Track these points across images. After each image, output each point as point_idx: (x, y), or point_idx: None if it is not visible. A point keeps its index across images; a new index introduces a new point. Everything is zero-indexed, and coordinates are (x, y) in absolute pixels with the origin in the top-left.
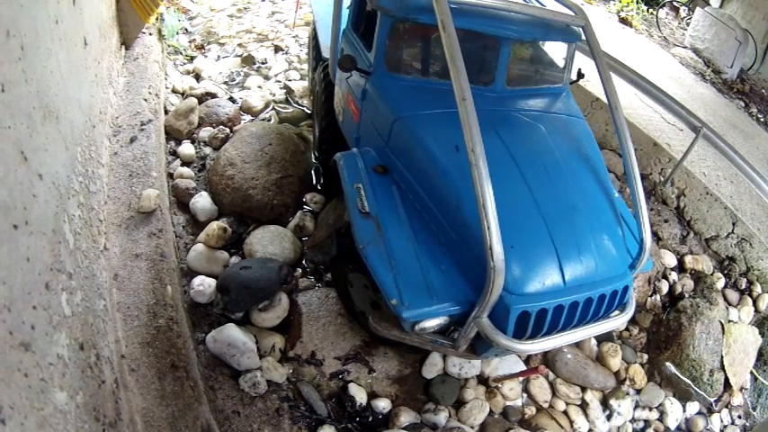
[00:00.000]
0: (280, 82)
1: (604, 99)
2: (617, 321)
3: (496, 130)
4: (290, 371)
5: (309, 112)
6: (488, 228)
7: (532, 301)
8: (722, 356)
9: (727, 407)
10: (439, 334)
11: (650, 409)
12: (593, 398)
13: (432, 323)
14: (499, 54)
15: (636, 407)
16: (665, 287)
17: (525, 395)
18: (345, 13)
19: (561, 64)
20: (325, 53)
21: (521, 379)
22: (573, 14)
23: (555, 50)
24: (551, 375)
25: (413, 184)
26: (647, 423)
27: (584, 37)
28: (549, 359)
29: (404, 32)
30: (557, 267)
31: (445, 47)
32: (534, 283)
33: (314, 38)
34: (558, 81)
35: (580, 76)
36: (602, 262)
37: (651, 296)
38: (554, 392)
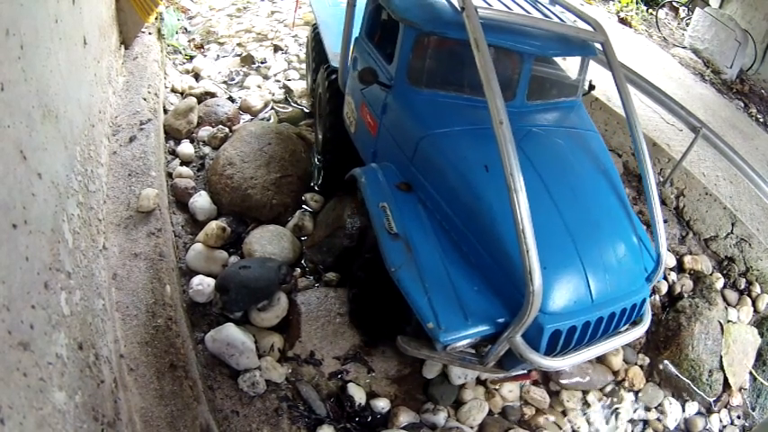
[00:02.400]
0: (279, 81)
1: (604, 100)
2: (636, 333)
3: (521, 147)
4: (289, 370)
5: (308, 111)
6: (528, 252)
7: (563, 320)
8: (721, 356)
9: (726, 407)
10: (466, 351)
11: (649, 410)
12: (593, 399)
13: (463, 343)
14: (521, 69)
15: (635, 407)
16: (664, 287)
17: (524, 401)
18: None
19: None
20: (332, 59)
21: (521, 381)
22: (593, 31)
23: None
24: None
25: (440, 204)
26: (647, 423)
27: (600, 50)
28: None
29: (428, 46)
30: (585, 285)
31: (479, 67)
32: (565, 303)
33: (314, 39)
34: (572, 94)
35: (591, 87)
36: (624, 277)
37: (650, 296)
38: (555, 395)
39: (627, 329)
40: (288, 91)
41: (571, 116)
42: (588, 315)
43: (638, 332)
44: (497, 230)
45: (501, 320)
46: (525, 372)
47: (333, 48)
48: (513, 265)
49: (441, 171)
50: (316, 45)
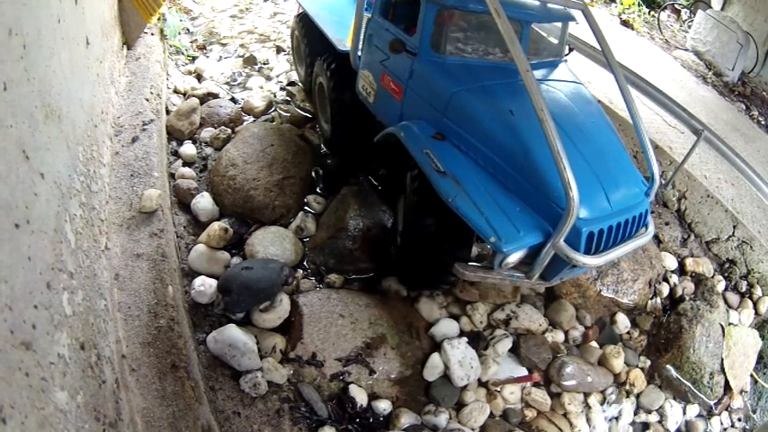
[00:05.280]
0: (281, 83)
1: (606, 102)
2: (646, 237)
3: None
4: (291, 372)
5: (310, 116)
6: (564, 167)
7: (594, 224)
8: (722, 359)
9: (727, 409)
10: (513, 269)
11: (650, 412)
12: (594, 401)
13: (515, 257)
14: (522, 34)
15: (636, 409)
16: (665, 290)
17: (526, 402)
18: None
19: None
20: (338, 44)
21: (522, 383)
22: (575, 1)
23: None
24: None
25: (476, 145)
26: (647, 425)
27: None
28: (551, 371)
29: (447, 17)
30: (605, 197)
31: (502, 31)
32: (593, 210)
33: (304, 32)
34: (558, 54)
35: (571, 50)
36: (630, 191)
37: (652, 299)
38: (556, 397)
39: (639, 235)
40: (290, 94)
41: (560, 72)
42: (611, 220)
43: (647, 237)
44: (532, 159)
45: (544, 232)
46: (525, 375)
47: (335, 34)
48: (548, 184)
49: (475, 118)
50: (307, 37)
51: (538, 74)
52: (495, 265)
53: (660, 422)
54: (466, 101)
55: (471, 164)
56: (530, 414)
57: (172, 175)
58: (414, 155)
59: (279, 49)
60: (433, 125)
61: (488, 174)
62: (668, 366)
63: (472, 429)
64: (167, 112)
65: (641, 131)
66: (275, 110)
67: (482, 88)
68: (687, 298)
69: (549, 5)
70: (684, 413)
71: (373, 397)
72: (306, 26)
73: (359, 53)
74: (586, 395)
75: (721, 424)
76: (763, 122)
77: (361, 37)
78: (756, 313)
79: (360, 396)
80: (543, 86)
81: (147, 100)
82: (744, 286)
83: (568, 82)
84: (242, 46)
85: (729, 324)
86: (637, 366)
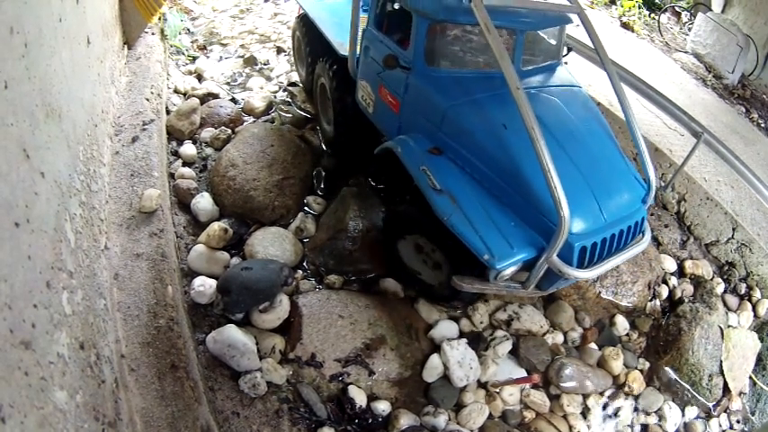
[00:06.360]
0: (282, 83)
1: (606, 104)
2: (642, 245)
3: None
4: (290, 372)
5: (310, 116)
6: (555, 187)
7: (587, 238)
8: (721, 361)
9: (725, 411)
10: (509, 280)
11: (649, 414)
12: (593, 403)
13: (510, 270)
14: (516, 42)
15: (635, 411)
16: (664, 292)
17: (525, 404)
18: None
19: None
20: (339, 48)
21: (521, 385)
22: (570, 5)
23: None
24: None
25: (471, 160)
26: (646, 427)
27: (576, 23)
28: (550, 372)
29: (439, 31)
30: (598, 210)
31: (492, 46)
32: (586, 225)
33: (304, 32)
34: (555, 57)
35: (569, 50)
36: (625, 201)
37: (651, 301)
38: (555, 399)
39: (635, 243)
40: (290, 95)
41: (557, 75)
42: (604, 233)
43: (644, 245)
44: (524, 174)
45: (537, 246)
46: (525, 377)
47: (336, 37)
48: (540, 199)
49: (469, 133)
50: (308, 38)
51: (534, 80)
52: (490, 278)
53: (659, 424)
54: (460, 115)
55: (467, 179)
56: (529, 415)
57: (172, 175)
58: (411, 171)
59: (279, 50)
60: (430, 139)
61: (484, 188)
62: (667, 368)
63: (471, 431)
64: (167, 111)
65: (635, 131)
66: (275, 110)
67: (476, 101)
68: (686, 300)
69: (547, 11)
70: (683, 415)
71: (372, 398)
72: (307, 27)
73: (356, 56)
74: (585, 397)
75: (720, 426)
76: (762, 125)
77: (358, 46)
78: (755, 315)
79: (359, 397)
80: (539, 93)
81: (148, 100)
82: (743, 289)
83: (565, 86)
84: (242, 46)
85: (728, 326)
86: (636, 368)
